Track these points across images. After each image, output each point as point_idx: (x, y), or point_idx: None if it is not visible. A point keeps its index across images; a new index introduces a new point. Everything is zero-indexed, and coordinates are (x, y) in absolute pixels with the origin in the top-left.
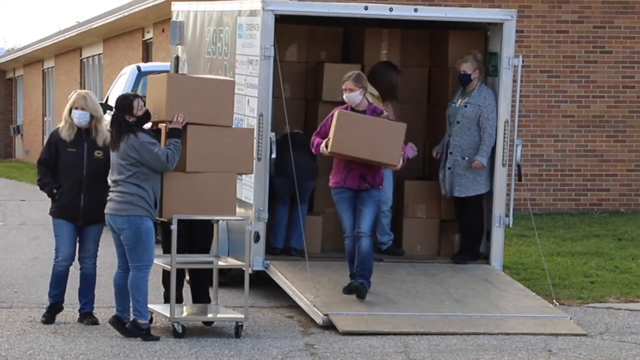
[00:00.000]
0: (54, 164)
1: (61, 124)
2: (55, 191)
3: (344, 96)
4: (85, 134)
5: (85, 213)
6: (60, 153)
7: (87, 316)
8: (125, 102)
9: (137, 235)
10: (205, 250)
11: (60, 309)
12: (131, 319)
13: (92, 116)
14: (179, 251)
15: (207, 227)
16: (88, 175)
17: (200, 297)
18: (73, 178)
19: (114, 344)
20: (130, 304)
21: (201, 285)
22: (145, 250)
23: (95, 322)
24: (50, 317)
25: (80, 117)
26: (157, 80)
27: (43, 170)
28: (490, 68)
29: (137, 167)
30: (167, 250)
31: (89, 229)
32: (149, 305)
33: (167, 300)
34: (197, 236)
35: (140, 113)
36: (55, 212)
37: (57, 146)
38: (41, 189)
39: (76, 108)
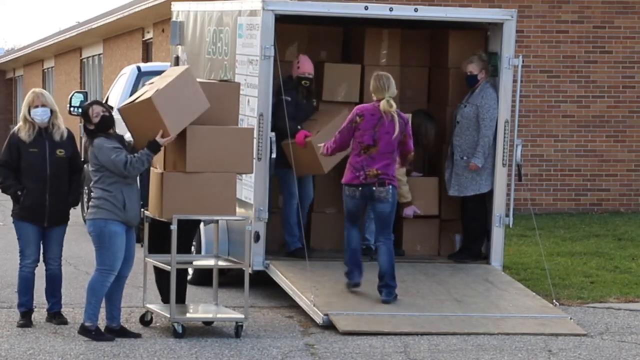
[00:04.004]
0: (15, 165)
1: (19, 125)
2: (19, 193)
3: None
4: (45, 133)
5: (51, 214)
6: (22, 154)
7: (56, 316)
8: (83, 111)
9: (99, 238)
10: (185, 250)
11: (32, 311)
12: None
13: (52, 112)
14: (158, 251)
15: (185, 227)
16: (52, 174)
17: (176, 297)
18: (37, 179)
19: (114, 344)
20: (119, 311)
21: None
22: (107, 254)
23: (64, 322)
24: (27, 321)
25: (42, 114)
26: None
27: (5, 173)
28: (490, 68)
29: (102, 171)
30: (151, 250)
31: (53, 230)
32: (149, 305)
33: (165, 301)
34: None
35: (96, 120)
36: (20, 215)
37: (18, 147)
38: (4, 191)
39: (36, 106)
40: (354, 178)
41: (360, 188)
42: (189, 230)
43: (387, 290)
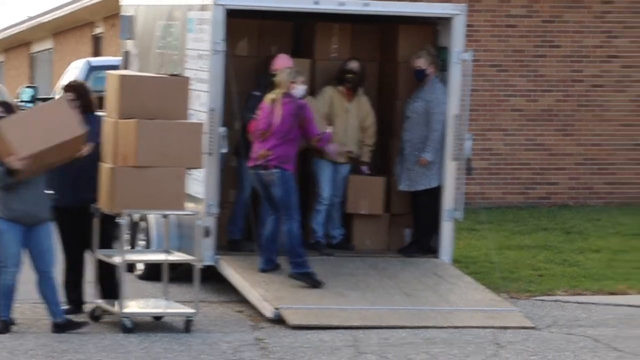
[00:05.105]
0: None
1: None
2: None
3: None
4: None
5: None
6: None
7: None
8: None
9: None
10: (107, 244)
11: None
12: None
13: None
14: (72, 244)
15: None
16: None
17: (111, 292)
18: None
19: (63, 339)
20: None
21: (110, 280)
22: (1, 252)
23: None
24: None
25: None
26: None
27: None
28: (440, 63)
29: None
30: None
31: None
32: (97, 300)
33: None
34: (82, 229)
35: None
36: None
37: None
38: None
39: None
40: (250, 161)
41: (253, 172)
42: (109, 224)
43: (291, 264)
